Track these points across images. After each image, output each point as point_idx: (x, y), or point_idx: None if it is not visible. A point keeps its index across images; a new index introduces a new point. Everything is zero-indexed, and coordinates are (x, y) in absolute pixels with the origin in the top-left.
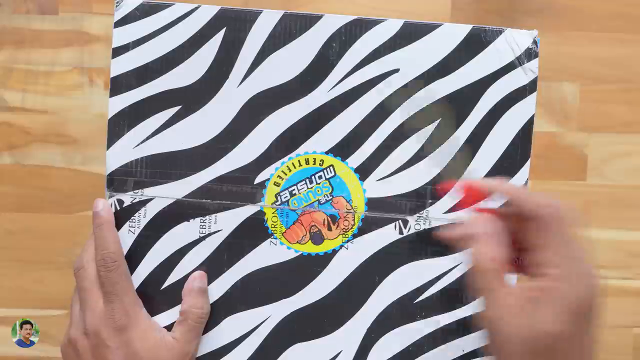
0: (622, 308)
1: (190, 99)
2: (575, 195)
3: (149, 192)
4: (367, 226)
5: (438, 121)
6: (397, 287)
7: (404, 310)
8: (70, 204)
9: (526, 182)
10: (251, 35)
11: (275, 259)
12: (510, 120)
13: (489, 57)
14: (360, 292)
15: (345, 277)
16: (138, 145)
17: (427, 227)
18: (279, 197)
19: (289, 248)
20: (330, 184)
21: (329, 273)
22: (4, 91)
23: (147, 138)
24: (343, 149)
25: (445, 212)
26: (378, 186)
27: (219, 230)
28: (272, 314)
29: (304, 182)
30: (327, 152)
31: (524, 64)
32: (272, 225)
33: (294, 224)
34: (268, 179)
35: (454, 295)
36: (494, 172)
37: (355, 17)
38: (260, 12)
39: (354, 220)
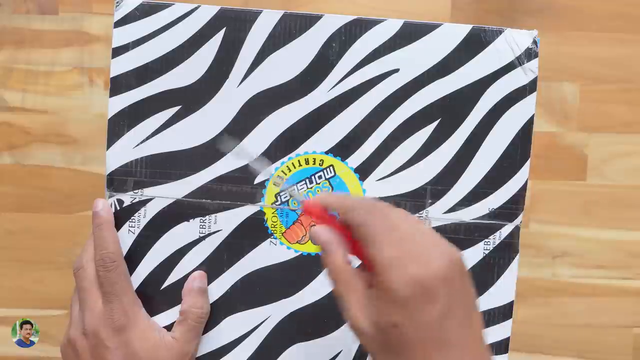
0: (622, 308)
1: (190, 99)
2: (575, 195)
3: (148, 192)
4: None
5: (438, 121)
6: None
7: None
8: (70, 204)
9: (526, 182)
10: (251, 35)
11: (275, 259)
12: (510, 120)
13: (489, 57)
14: None
15: None
16: (138, 145)
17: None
18: (278, 197)
19: (288, 248)
20: (330, 184)
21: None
22: (4, 91)
23: (147, 138)
24: (343, 149)
25: (445, 212)
26: (378, 186)
27: (218, 230)
28: (272, 314)
29: (304, 182)
30: (327, 152)
31: (523, 64)
32: (272, 225)
33: (293, 224)
34: (268, 179)
35: None
36: (494, 172)
37: (355, 17)
38: (260, 12)
39: None
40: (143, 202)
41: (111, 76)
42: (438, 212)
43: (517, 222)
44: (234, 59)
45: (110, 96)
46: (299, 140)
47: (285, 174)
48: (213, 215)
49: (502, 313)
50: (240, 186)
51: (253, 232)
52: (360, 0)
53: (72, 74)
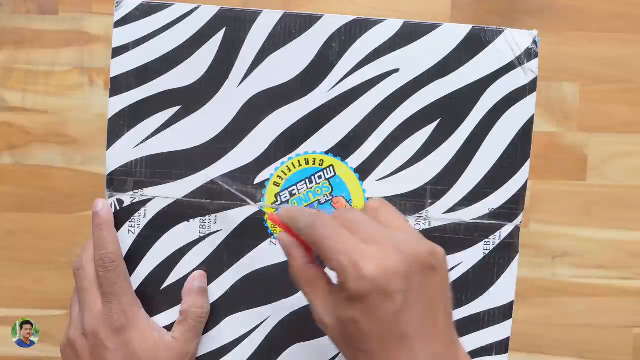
0: (622, 308)
1: (190, 99)
2: (575, 195)
3: (148, 192)
4: None
5: (438, 121)
6: None
7: None
8: (70, 204)
9: (526, 182)
10: (251, 35)
11: (275, 259)
12: (510, 120)
13: (489, 57)
14: None
15: None
16: (138, 145)
17: (426, 227)
18: (278, 197)
19: None
20: (330, 184)
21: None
22: (4, 91)
23: (147, 138)
24: (343, 149)
25: (445, 212)
26: (378, 186)
27: (218, 230)
28: (272, 314)
29: (303, 182)
30: (327, 152)
31: (523, 64)
32: (272, 225)
33: None
34: (268, 179)
35: (454, 295)
36: (494, 172)
37: (355, 17)
38: (260, 12)
39: None
40: (143, 202)
41: (111, 76)
42: (438, 212)
43: (517, 222)
44: (234, 59)
45: (110, 96)
46: (299, 140)
47: (285, 174)
48: (213, 215)
49: (502, 313)
50: (240, 186)
51: (253, 232)
52: (360, 0)
53: (72, 74)
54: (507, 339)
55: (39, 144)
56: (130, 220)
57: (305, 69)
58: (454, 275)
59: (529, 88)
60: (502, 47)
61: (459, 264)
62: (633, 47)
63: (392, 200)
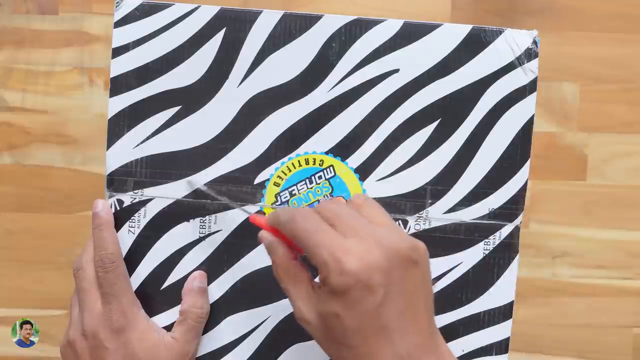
0: (622, 308)
1: (190, 99)
2: (575, 195)
3: (148, 192)
4: None
5: (438, 121)
6: None
7: None
8: (70, 204)
9: (526, 182)
10: (251, 36)
11: None
12: (510, 120)
13: (489, 57)
14: None
15: None
16: (138, 145)
17: (426, 227)
18: (279, 197)
19: None
20: (330, 184)
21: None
22: (4, 91)
23: (147, 138)
24: (343, 149)
25: (445, 212)
26: (378, 186)
27: (218, 231)
28: (271, 314)
29: (303, 182)
30: (327, 152)
31: (523, 64)
32: None
33: None
34: (268, 179)
35: (454, 295)
36: (494, 172)
37: (355, 17)
38: (260, 12)
39: None
40: (143, 202)
41: (111, 76)
42: (438, 212)
43: (517, 222)
44: (234, 59)
45: (110, 96)
46: (299, 140)
47: (286, 174)
48: (213, 216)
49: (502, 313)
50: (240, 186)
51: (253, 232)
52: (360, 0)
53: (72, 74)
54: (507, 339)
55: (39, 144)
56: (130, 220)
57: (305, 69)
58: (454, 276)
59: (529, 88)
60: (502, 47)
61: (459, 264)
62: (633, 47)
63: (392, 200)
